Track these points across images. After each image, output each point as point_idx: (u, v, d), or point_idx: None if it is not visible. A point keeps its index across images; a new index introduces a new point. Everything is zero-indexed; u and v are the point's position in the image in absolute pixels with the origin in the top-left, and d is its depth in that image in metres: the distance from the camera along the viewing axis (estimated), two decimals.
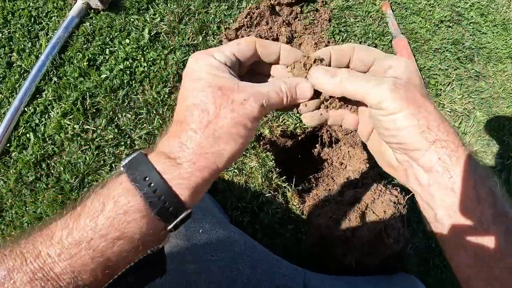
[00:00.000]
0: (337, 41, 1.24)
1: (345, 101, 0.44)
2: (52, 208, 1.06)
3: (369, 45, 1.28)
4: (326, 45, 1.19)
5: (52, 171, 1.10)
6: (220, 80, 0.37)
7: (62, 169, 1.08)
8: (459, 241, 0.36)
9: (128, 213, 0.32)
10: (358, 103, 0.43)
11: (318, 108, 0.44)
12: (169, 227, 0.35)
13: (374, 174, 1.15)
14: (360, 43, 1.26)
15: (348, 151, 1.32)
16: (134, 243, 0.33)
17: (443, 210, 0.37)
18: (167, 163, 0.34)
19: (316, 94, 0.43)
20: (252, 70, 0.44)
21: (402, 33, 1.32)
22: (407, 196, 1.04)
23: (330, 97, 0.43)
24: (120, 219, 0.32)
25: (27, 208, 1.08)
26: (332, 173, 1.39)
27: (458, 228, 0.36)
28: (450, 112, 1.32)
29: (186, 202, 0.35)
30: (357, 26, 1.28)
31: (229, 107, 0.36)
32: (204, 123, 0.35)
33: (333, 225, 0.96)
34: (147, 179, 0.33)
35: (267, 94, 0.38)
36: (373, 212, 0.98)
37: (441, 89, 1.33)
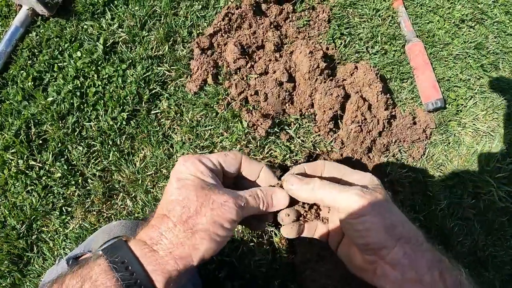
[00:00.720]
0: (338, 47, 0.99)
1: (317, 213, 0.49)
2: None
3: (377, 51, 1.03)
4: (324, 53, 0.94)
5: None
6: (204, 183, 0.40)
7: (7, 212, 0.92)
8: None
9: None
10: (329, 212, 0.49)
11: (297, 220, 0.48)
12: None
13: None
14: (367, 48, 1.00)
15: None
16: None
17: None
18: (145, 250, 0.37)
19: (292, 203, 0.47)
20: (235, 182, 0.48)
21: (416, 36, 1.05)
22: None
23: (303, 206, 0.48)
24: None
25: None
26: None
27: None
28: (472, 132, 1.07)
29: None
30: (363, 28, 1.02)
31: (210, 206, 0.39)
32: (184, 218, 0.39)
33: None
34: (125, 262, 0.36)
35: (245, 198, 0.42)
36: None
37: (462, 105, 1.07)
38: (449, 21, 1.15)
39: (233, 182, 0.48)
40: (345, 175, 0.46)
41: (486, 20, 1.19)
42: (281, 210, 0.46)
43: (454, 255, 0.96)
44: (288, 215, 0.46)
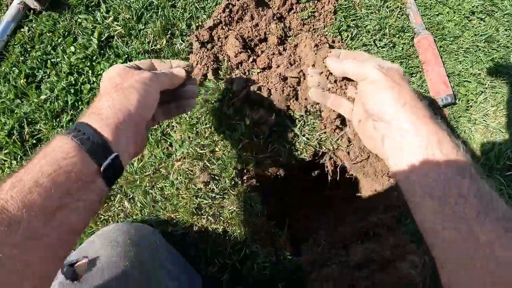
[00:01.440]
0: (345, 39, 0.94)
1: (343, 91, 0.58)
2: None
3: (385, 44, 0.98)
4: (330, 46, 0.90)
5: None
6: (126, 68, 0.55)
7: None
8: (426, 189, 0.42)
9: (63, 151, 0.41)
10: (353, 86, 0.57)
11: (322, 87, 0.58)
12: (103, 168, 0.43)
13: (388, 218, 0.89)
14: (374, 41, 0.95)
15: (356, 177, 1.05)
16: (71, 177, 0.40)
17: (412, 160, 0.44)
18: (91, 115, 0.47)
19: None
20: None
21: (426, 28, 1.00)
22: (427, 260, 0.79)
23: (335, 81, 0.58)
24: (56, 155, 0.40)
25: None
26: (336, 204, 1.14)
27: (424, 175, 0.42)
28: (483, 129, 1.03)
29: (109, 139, 0.45)
30: (370, 20, 0.97)
31: (131, 77, 0.53)
32: (114, 85, 0.51)
33: None
34: (77, 128, 0.44)
35: (158, 75, 0.57)
36: (389, 284, 0.73)
37: (472, 100, 1.03)
38: (459, 13, 1.10)
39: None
40: (376, 62, 0.52)
41: (497, 12, 1.15)
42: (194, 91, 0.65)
43: None
44: (312, 77, 0.59)
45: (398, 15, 0.99)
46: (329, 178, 1.07)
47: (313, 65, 0.61)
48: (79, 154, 0.41)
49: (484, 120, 1.03)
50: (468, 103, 1.02)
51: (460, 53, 1.05)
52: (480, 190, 0.40)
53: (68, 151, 0.41)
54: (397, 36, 0.98)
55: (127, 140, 0.48)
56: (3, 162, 0.89)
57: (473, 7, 1.11)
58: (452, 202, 0.39)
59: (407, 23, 0.99)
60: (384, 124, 0.47)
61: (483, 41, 1.09)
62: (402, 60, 0.97)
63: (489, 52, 1.10)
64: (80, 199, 0.41)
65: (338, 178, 1.08)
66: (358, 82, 0.52)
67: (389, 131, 0.46)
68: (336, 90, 0.57)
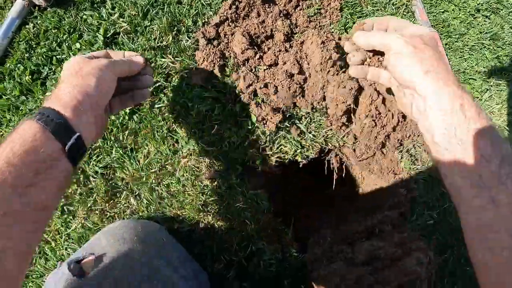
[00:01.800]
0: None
1: (379, 61, 0.60)
2: None
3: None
4: (337, 44, 0.89)
5: None
6: (84, 58, 0.59)
7: None
8: (455, 163, 0.44)
9: (30, 133, 0.45)
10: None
11: (362, 64, 0.61)
12: (67, 147, 0.47)
13: (394, 215, 0.89)
14: None
15: (362, 172, 1.05)
16: (39, 157, 0.44)
17: (439, 130, 0.46)
18: (53, 100, 0.51)
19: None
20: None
21: (432, 26, 1.00)
22: (436, 257, 0.79)
23: (368, 56, 0.60)
24: (24, 137, 0.44)
25: None
26: (341, 200, 1.14)
27: (453, 149, 0.45)
28: None
29: (71, 118, 0.49)
30: (376, 16, 0.97)
31: (89, 64, 0.57)
32: (72, 73, 0.56)
33: None
34: (40, 112, 0.48)
35: (114, 62, 0.62)
36: (395, 281, 0.73)
37: (477, 98, 1.03)
38: (465, 11, 1.10)
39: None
40: (405, 28, 0.55)
41: (502, 9, 1.15)
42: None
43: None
44: (354, 56, 0.60)
45: (404, 13, 0.99)
46: (335, 175, 1.07)
47: (348, 39, 0.64)
48: (44, 134, 0.45)
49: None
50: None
51: (466, 50, 1.05)
52: (502, 152, 0.43)
53: (35, 133, 0.45)
54: None
55: (88, 119, 0.52)
56: None
57: (478, 4, 1.11)
58: (476, 164, 0.43)
59: (412, 20, 0.99)
60: (411, 92, 0.50)
61: (488, 38, 1.09)
62: None
63: (494, 50, 1.09)
64: (47, 178, 0.44)
65: (343, 175, 1.08)
66: (385, 53, 0.54)
67: (415, 98, 0.49)
68: (375, 63, 0.60)
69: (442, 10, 1.08)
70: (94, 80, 0.54)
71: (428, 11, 1.05)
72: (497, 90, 1.09)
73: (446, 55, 1.03)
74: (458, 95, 0.46)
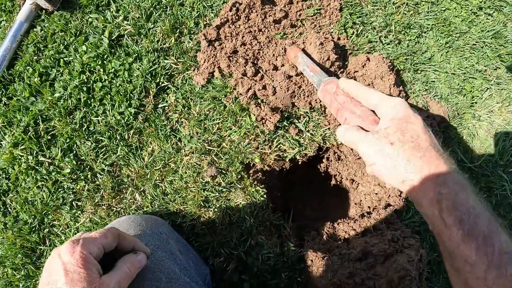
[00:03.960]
0: (350, 36, 0.95)
1: None
2: (12, 251, 0.92)
3: (391, 41, 0.99)
4: (335, 44, 0.91)
5: (9, 209, 0.95)
6: (90, 276, 0.46)
7: (19, 207, 0.93)
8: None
9: None
10: None
11: None
12: None
13: (389, 212, 0.92)
14: (379, 38, 0.96)
15: (360, 169, 1.08)
16: None
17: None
18: None
19: None
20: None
21: (432, 25, 1.01)
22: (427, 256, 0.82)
23: None
24: None
25: None
26: (340, 195, 1.17)
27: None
28: (487, 125, 1.03)
29: None
30: (376, 16, 0.98)
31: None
32: None
33: None
34: None
35: (120, 282, 0.50)
36: (385, 276, 0.76)
37: (477, 96, 1.04)
38: (467, 8, 1.09)
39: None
40: (379, 107, 0.59)
41: (505, 7, 1.13)
42: None
43: None
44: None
45: (404, 12, 1.00)
46: (334, 173, 1.10)
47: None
48: None
49: (488, 117, 1.04)
50: (473, 99, 1.03)
51: (466, 49, 1.05)
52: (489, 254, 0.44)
53: None
54: (403, 32, 0.99)
55: None
56: (20, 157, 0.93)
57: (481, 2, 1.10)
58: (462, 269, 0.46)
59: (413, 19, 1.00)
60: None
61: (490, 37, 1.09)
62: (407, 57, 0.98)
63: (496, 48, 1.09)
64: None
65: (341, 173, 1.10)
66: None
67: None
68: None
69: (444, 8, 1.08)
70: None
71: (429, 9, 1.05)
72: (498, 89, 1.09)
73: (446, 54, 1.03)
74: (435, 201, 0.48)
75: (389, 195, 0.93)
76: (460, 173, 0.51)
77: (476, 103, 1.03)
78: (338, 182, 1.09)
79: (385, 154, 0.53)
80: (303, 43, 0.91)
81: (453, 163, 0.52)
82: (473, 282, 0.43)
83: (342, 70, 0.92)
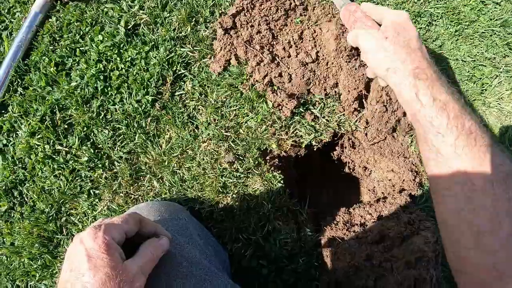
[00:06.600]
0: None
1: None
2: (29, 241, 0.93)
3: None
4: None
5: (26, 199, 0.95)
6: (113, 261, 0.46)
7: (36, 197, 0.93)
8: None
9: None
10: None
11: None
12: None
13: (404, 196, 0.93)
14: None
15: (374, 156, 1.09)
16: None
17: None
18: None
19: None
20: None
21: (442, 13, 1.03)
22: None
23: None
24: None
25: (4, 240, 0.95)
26: (354, 182, 1.18)
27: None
28: (497, 112, 1.05)
29: None
30: (388, 5, 1.00)
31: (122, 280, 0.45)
32: None
33: (352, 273, 0.77)
34: None
35: (143, 266, 0.50)
36: (403, 258, 0.77)
37: (487, 83, 1.06)
38: None
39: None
40: (382, 15, 0.65)
41: None
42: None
43: None
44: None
45: (415, 0, 1.02)
46: (347, 161, 1.11)
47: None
48: None
49: (498, 104, 1.06)
50: (483, 87, 1.05)
51: (476, 37, 1.07)
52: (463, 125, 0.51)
53: None
54: (414, 21, 1.01)
55: None
56: (37, 146, 0.94)
57: None
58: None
59: (423, 8, 1.02)
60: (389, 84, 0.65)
61: (499, 25, 1.11)
62: None
63: (504, 37, 1.11)
64: None
65: (353, 161, 1.11)
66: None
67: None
68: None
69: None
70: None
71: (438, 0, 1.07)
72: (507, 76, 1.11)
73: (456, 42, 1.05)
74: (413, 84, 0.55)
75: (403, 180, 0.95)
76: (441, 74, 0.58)
77: (486, 90, 1.05)
78: (351, 170, 1.11)
79: (379, 45, 0.60)
80: (320, 29, 0.92)
81: (436, 68, 0.59)
82: (444, 150, 0.50)
83: (355, 57, 0.93)
